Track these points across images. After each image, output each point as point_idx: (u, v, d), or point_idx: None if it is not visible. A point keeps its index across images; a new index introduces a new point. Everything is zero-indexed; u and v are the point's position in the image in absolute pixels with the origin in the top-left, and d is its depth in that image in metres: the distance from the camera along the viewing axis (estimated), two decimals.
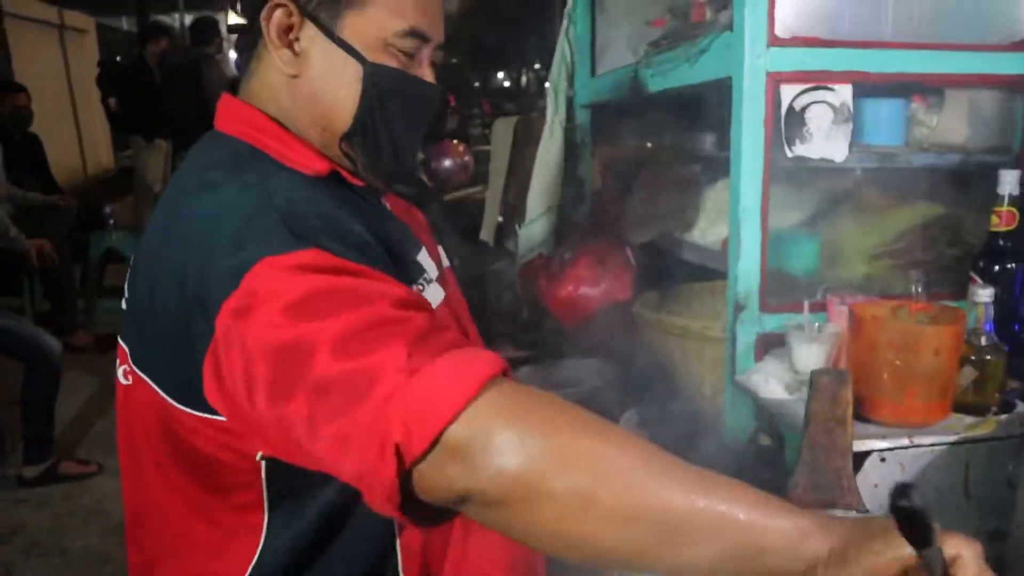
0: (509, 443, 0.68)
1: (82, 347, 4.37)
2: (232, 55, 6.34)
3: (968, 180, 1.62)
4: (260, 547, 0.94)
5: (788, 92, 1.47)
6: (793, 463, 1.52)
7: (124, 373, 1.01)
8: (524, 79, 10.90)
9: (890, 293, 1.59)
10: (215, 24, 5.47)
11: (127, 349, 1.00)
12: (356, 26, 0.96)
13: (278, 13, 0.96)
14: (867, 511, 1.08)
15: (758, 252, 1.50)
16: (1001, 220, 1.49)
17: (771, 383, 1.44)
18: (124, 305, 1.04)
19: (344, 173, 1.00)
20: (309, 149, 0.99)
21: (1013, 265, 1.50)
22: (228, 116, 1.02)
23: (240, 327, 0.78)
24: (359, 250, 0.85)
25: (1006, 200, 1.47)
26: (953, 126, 1.57)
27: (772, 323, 1.53)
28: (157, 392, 0.92)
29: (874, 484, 1.24)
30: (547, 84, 2.38)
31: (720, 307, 2.17)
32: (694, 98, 1.93)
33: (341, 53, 0.96)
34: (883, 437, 1.25)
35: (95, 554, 2.70)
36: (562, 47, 2.34)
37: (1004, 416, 1.31)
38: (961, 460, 1.26)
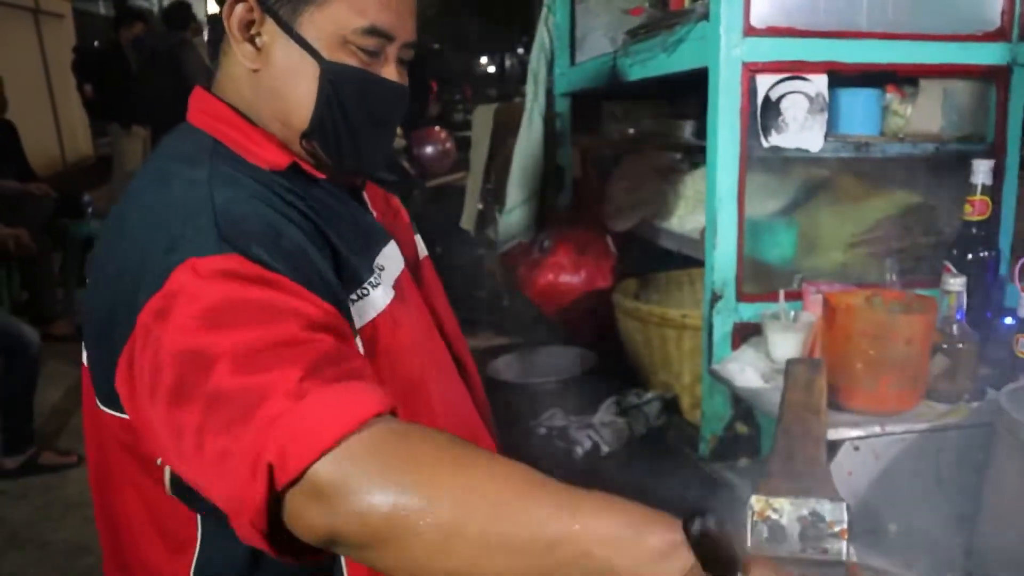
0: (374, 485, 0.68)
1: (61, 336, 4.35)
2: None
3: (942, 169, 1.64)
4: (197, 551, 0.97)
5: (764, 82, 1.47)
6: (769, 451, 1.54)
7: (86, 358, 1.02)
8: (507, 64, 10.85)
9: (865, 281, 1.60)
10: (189, 8, 5.41)
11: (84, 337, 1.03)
12: (315, 23, 0.96)
13: (239, 8, 0.97)
14: (841, 500, 1.10)
15: (734, 241, 1.51)
16: (974, 209, 1.50)
17: (747, 372, 1.46)
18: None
19: (306, 167, 1.01)
20: (270, 142, 1.00)
21: (986, 253, 1.51)
22: (196, 108, 1.04)
23: (158, 328, 0.79)
24: (288, 260, 0.86)
25: (979, 189, 1.49)
26: (927, 116, 1.58)
27: (748, 312, 1.54)
28: (92, 388, 0.97)
29: (848, 472, 1.25)
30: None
31: (699, 295, 2.19)
32: (674, 86, 1.94)
33: (299, 50, 0.97)
34: (856, 425, 1.26)
35: (75, 545, 2.70)
36: (541, 35, 2.34)
37: (976, 404, 1.33)
38: (933, 447, 1.28)
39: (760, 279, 1.60)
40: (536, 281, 2.31)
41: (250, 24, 0.97)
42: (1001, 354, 1.43)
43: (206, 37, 6.18)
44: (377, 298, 1.01)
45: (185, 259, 0.81)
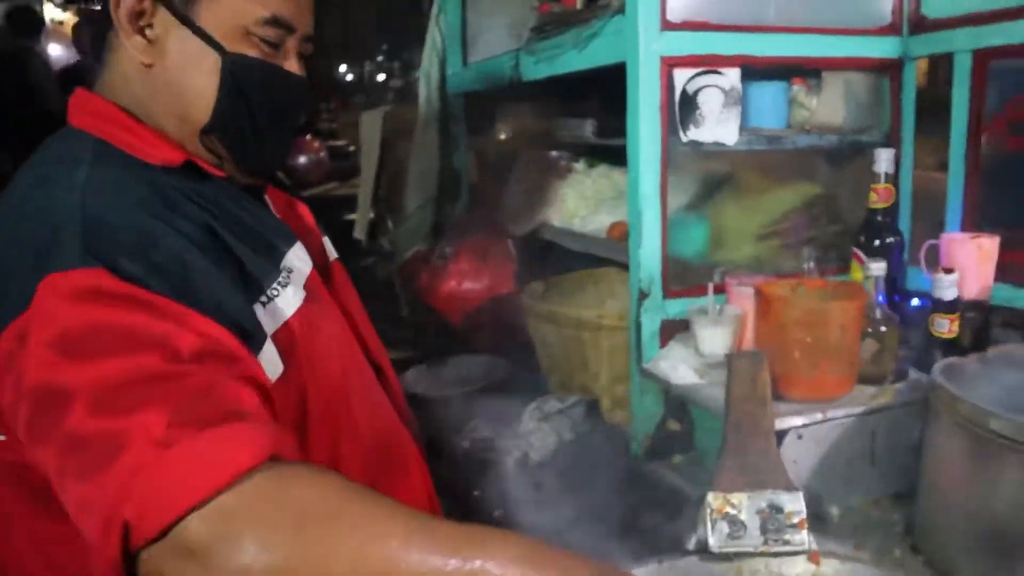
0: (253, 544, 0.62)
1: None
2: (54, 48, 5.86)
3: (843, 159, 1.69)
4: None
5: (681, 76, 1.47)
6: (704, 446, 1.54)
7: None
8: (366, 71, 10.68)
9: (777, 272, 1.63)
10: (36, 13, 4.99)
11: None
12: (214, 13, 0.92)
13: None
14: (797, 489, 1.10)
15: (659, 238, 1.49)
16: (879, 197, 1.55)
17: (680, 369, 1.44)
18: None
19: (203, 164, 0.96)
20: (161, 140, 0.95)
21: (892, 239, 1.57)
22: (78, 110, 0.97)
23: (20, 355, 0.73)
24: (163, 275, 0.79)
25: (883, 178, 1.54)
26: (831, 108, 1.62)
27: (674, 309, 1.53)
28: None
29: (793, 461, 1.26)
30: (419, 73, 2.31)
31: (604, 295, 2.18)
32: (572, 86, 1.92)
33: (197, 42, 0.92)
34: (799, 414, 1.27)
35: None
36: (433, 36, 2.27)
37: (900, 384, 1.37)
38: (868, 429, 1.30)
39: (680, 275, 1.59)
40: (439, 289, 2.24)
41: (139, 15, 0.92)
42: (914, 335, 1.49)
43: (53, 46, 5.77)
44: (288, 299, 0.95)
45: (46, 275, 0.75)
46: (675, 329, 1.53)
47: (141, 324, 0.74)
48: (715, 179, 1.72)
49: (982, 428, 1.07)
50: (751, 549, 1.09)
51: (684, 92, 1.47)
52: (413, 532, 0.64)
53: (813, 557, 1.08)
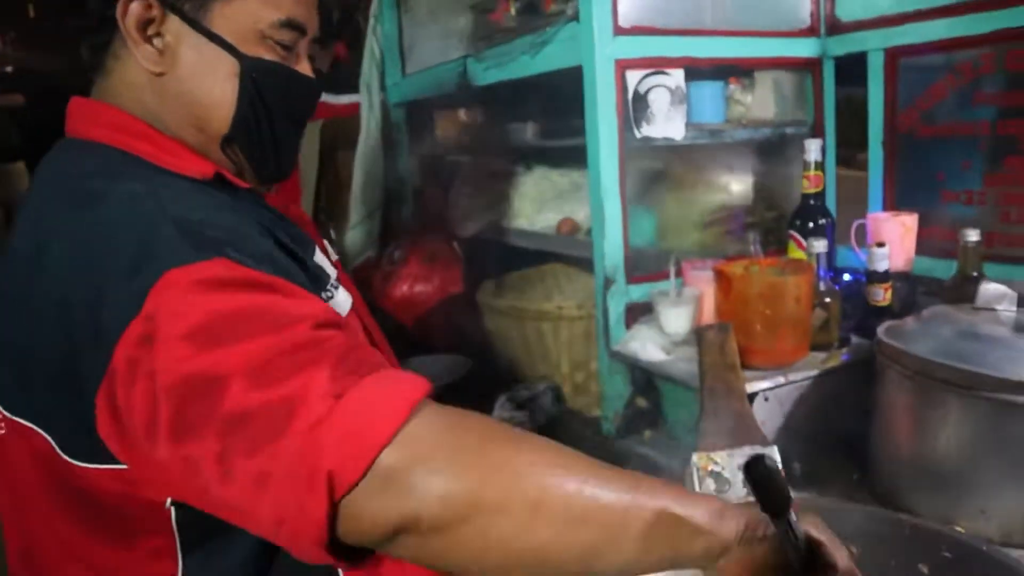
0: (450, 463, 0.65)
1: None
2: None
3: (775, 151, 1.85)
4: None
5: (633, 77, 1.58)
6: (674, 418, 1.65)
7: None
8: None
9: (725, 255, 1.77)
10: None
11: None
12: (227, 17, 0.90)
13: (135, 6, 0.88)
14: (771, 444, 1.21)
15: (620, 228, 1.60)
16: (811, 183, 1.71)
17: (649, 348, 1.55)
18: None
19: (228, 175, 0.93)
20: (187, 152, 0.92)
21: (824, 221, 1.73)
22: (87, 120, 0.92)
23: (147, 358, 0.69)
24: (268, 261, 0.79)
25: (812, 165, 1.70)
26: (763, 104, 1.77)
27: (637, 293, 1.64)
28: (45, 440, 0.81)
29: (762, 421, 1.38)
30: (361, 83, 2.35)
31: (551, 289, 2.29)
32: (513, 91, 2.01)
33: (212, 47, 0.90)
34: (764, 378, 1.39)
35: None
36: (371, 46, 2.33)
37: (844, 348, 1.52)
38: (823, 389, 1.44)
39: (636, 263, 1.71)
40: (392, 293, 2.29)
41: (148, 23, 0.88)
42: (850, 306, 1.65)
43: None
44: (341, 300, 0.98)
45: (161, 274, 0.71)
46: (639, 312, 1.64)
47: (272, 303, 0.73)
48: (663, 173, 1.84)
49: (929, 377, 1.22)
50: (736, 501, 1.20)
51: (636, 92, 1.59)
52: (585, 457, 0.68)
53: (793, 506, 1.20)
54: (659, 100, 1.61)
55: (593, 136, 1.57)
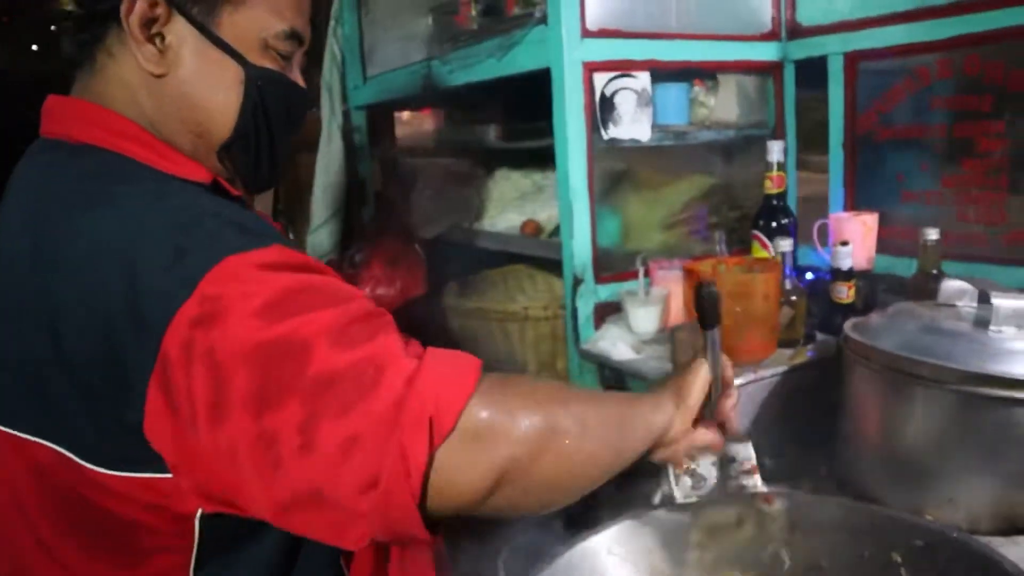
0: (522, 406, 0.76)
1: None
2: None
3: (737, 152, 1.87)
4: None
5: (600, 80, 1.60)
6: None
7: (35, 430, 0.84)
8: None
9: (689, 255, 1.79)
10: None
11: None
12: (235, 24, 0.89)
13: (140, 3, 0.85)
14: (747, 439, 1.23)
15: (588, 229, 1.61)
16: (773, 183, 1.74)
17: (619, 347, 1.56)
18: None
19: (223, 183, 0.93)
20: (182, 156, 0.90)
21: (786, 220, 1.76)
22: (73, 120, 0.89)
23: (207, 336, 0.69)
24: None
25: (775, 166, 1.73)
26: (726, 106, 1.80)
27: (605, 293, 1.65)
28: (53, 452, 0.78)
29: None
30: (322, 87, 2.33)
31: (513, 290, 2.29)
32: (474, 94, 2.02)
33: (217, 53, 0.89)
34: (737, 375, 1.41)
35: None
36: (332, 48, 2.31)
37: (810, 345, 1.54)
38: (790, 385, 1.47)
39: (602, 263, 1.72)
40: None
41: (152, 22, 0.86)
42: (813, 303, 1.68)
43: None
44: None
45: (221, 258, 0.72)
46: (607, 311, 1.65)
47: (330, 281, 0.77)
48: (627, 174, 1.85)
49: (896, 371, 1.24)
50: (713, 496, 1.21)
51: (603, 94, 1.60)
52: (597, 391, 0.84)
53: (768, 499, 1.21)
54: (626, 102, 1.63)
55: (561, 138, 1.57)
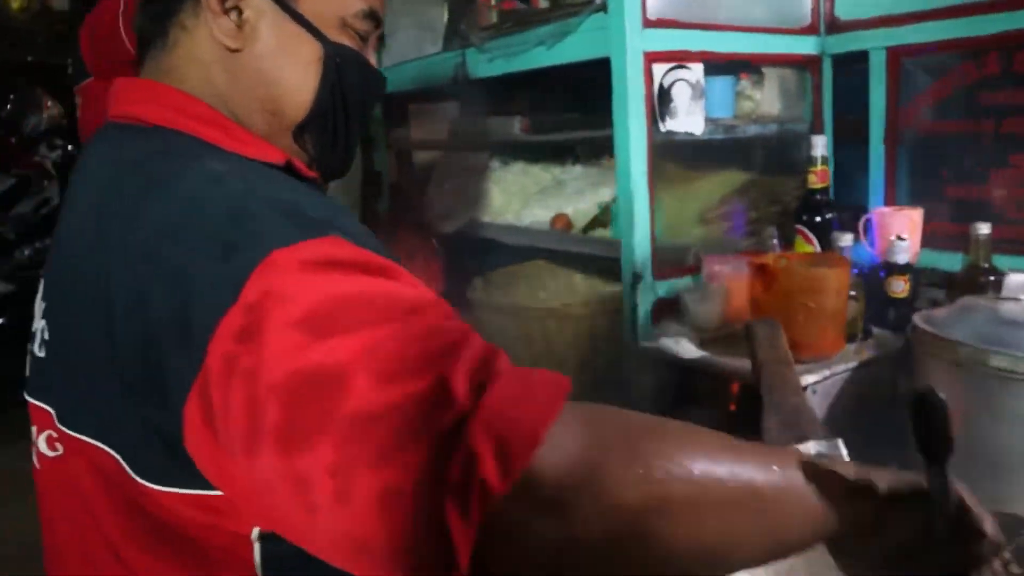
0: (622, 464, 0.57)
1: None
2: None
3: (776, 146, 1.87)
4: None
5: (659, 71, 1.57)
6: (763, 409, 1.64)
7: (48, 441, 0.79)
8: None
9: (738, 249, 1.78)
10: None
11: (50, 408, 0.79)
12: (316, 0, 0.85)
13: None
14: (835, 437, 1.22)
15: (648, 224, 1.58)
16: (818, 178, 1.74)
17: (683, 344, 1.54)
18: (39, 349, 0.81)
19: (299, 164, 0.87)
20: (257, 138, 0.84)
21: (830, 215, 1.76)
22: (144, 102, 0.83)
23: (247, 353, 0.59)
24: (372, 244, 0.69)
25: (819, 160, 1.73)
26: (771, 99, 1.79)
27: (663, 289, 1.63)
28: (113, 459, 0.72)
29: None
30: None
31: (535, 286, 2.25)
32: (499, 86, 1.97)
33: (296, 28, 0.84)
34: (809, 372, 1.41)
35: None
36: None
37: (870, 340, 1.55)
38: (860, 380, 1.47)
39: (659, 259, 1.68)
40: None
41: None
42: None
43: None
44: None
45: (266, 254, 0.61)
46: (665, 308, 1.63)
47: (390, 288, 0.63)
48: (665, 168, 1.83)
49: (976, 363, 1.25)
50: None
51: (661, 86, 1.58)
52: (732, 445, 0.63)
53: None
54: (682, 94, 1.60)
55: (622, 131, 1.54)
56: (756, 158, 1.86)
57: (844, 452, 1.23)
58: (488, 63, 1.84)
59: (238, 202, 0.68)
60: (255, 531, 0.70)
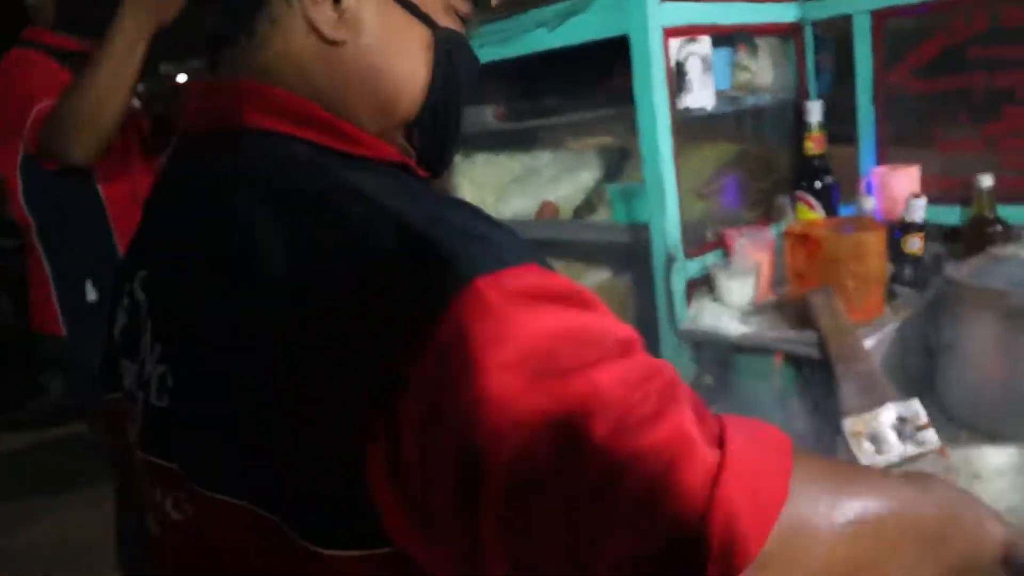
0: (825, 520, 0.55)
1: None
2: None
3: (767, 116, 1.88)
4: None
5: (674, 46, 1.53)
6: (748, 390, 1.63)
7: (175, 503, 0.70)
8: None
9: (746, 221, 1.78)
10: None
11: (177, 465, 0.69)
12: None
13: None
14: (912, 397, 1.23)
15: (676, 203, 1.55)
16: (815, 144, 1.76)
17: (724, 321, 1.52)
18: (158, 398, 0.70)
19: (413, 165, 0.79)
20: (375, 139, 0.75)
21: (829, 180, 1.79)
22: (246, 106, 0.72)
23: (454, 393, 0.52)
24: (541, 259, 0.62)
25: (815, 126, 1.75)
26: (765, 70, 1.79)
27: (693, 268, 1.61)
28: (268, 519, 0.62)
29: None
30: None
31: None
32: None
33: (401, 13, 0.76)
34: (867, 336, 1.41)
35: None
36: None
37: (897, 299, 1.58)
38: (901, 337, 1.49)
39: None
40: None
41: None
42: None
43: None
44: None
45: (466, 282, 0.53)
46: (695, 288, 1.61)
47: (595, 321, 0.57)
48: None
49: (1015, 308, 1.29)
50: (896, 459, 1.21)
51: (677, 62, 1.54)
52: (909, 485, 0.63)
53: (942, 451, 1.23)
54: (694, 69, 1.58)
55: (647, 110, 1.50)
56: (746, 129, 1.86)
57: (921, 412, 1.24)
58: (479, 49, 1.75)
59: (413, 217, 0.59)
60: None
